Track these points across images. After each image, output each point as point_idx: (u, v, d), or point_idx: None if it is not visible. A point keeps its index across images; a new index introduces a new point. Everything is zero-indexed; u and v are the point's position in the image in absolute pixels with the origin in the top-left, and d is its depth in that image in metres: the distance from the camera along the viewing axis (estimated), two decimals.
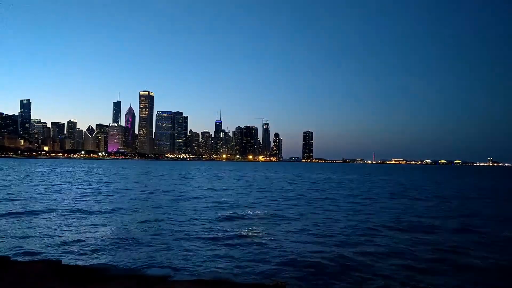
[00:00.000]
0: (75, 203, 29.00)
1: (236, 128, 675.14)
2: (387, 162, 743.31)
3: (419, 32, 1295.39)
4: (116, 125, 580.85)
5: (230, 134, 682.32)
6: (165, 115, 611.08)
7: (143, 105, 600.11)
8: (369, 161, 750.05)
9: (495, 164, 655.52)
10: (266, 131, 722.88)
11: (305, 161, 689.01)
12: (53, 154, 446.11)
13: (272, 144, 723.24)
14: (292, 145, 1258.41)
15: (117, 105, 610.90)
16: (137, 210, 25.81)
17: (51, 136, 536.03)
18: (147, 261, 12.91)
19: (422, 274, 12.09)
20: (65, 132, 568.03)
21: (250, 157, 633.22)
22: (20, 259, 12.67)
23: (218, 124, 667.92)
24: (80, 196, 34.79)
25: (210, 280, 10.65)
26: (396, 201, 35.10)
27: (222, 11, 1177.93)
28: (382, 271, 12.36)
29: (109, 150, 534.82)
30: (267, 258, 13.66)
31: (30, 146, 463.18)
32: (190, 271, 11.85)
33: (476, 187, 60.91)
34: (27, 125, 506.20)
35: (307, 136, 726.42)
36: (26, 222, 19.95)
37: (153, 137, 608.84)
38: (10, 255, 12.91)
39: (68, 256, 13.31)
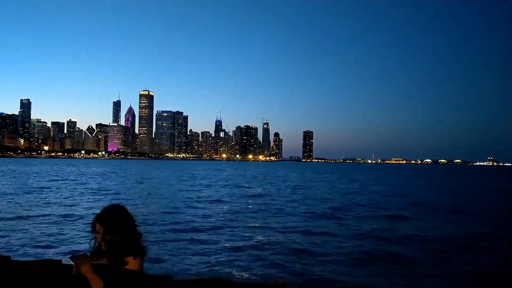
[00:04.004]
0: (77, 202, 29.00)
1: (236, 127, 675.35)
2: (387, 161, 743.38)
3: (419, 32, 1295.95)
4: (116, 124, 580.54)
5: (230, 133, 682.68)
6: (165, 114, 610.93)
7: (143, 104, 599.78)
8: (369, 161, 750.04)
9: (495, 164, 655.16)
10: (266, 131, 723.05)
11: (305, 161, 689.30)
12: (53, 154, 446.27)
13: (272, 143, 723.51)
14: (292, 144, 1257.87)
15: (117, 105, 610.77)
16: (138, 209, 25.80)
17: (51, 135, 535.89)
18: (147, 260, 12.91)
19: None
20: (65, 131, 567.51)
21: (250, 156, 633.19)
22: (20, 258, 12.68)
23: (218, 124, 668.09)
24: (81, 194, 34.79)
25: (210, 279, 10.66)
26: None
27: (222, 11, 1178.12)
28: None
29: (109, 149, 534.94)
30: (268, 257, 13.66)
31: (30, 145, 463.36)
32: (190, 270, 11.86)
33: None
34: (27, 125, 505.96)
35: (307, 136, 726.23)
36: (27, 221, 19.97)
37: (153, 136, 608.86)
38: (10, 255, 12.92)
39: (68, 256, 13.31)
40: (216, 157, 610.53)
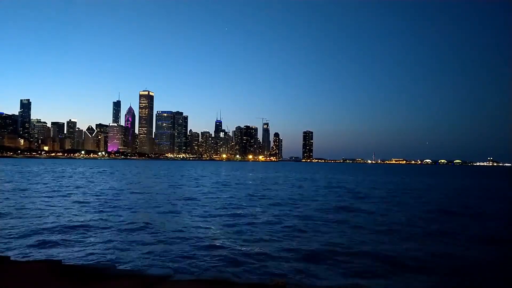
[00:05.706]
0: (77, 203, 29.03)
1: (236, 127, 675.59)
2: (387, 162, 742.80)
3: (419, 32, 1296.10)
4: (116, 124, 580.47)
5: (230, 133, 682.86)
6: (165, 114, 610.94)
7: (143, 104, 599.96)
8: (369, 161, 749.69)
9: (495, 164, 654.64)
10: (266, 131, 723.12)
11: (305, 161, 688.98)
12: (53, 154, 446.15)
13: (272, 144, 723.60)
14: (292, 144, 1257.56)
15: (117, 105, 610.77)
16: (137, 210, 25.82)
17: (51, 136, 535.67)
18: (147, 260, 12.91)
19: None
20: (65, 132, 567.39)
21: (250, 156, 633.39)
22: (20, 259, 12.68)
23: (218, 124, 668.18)
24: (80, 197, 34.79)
25: (210, 280, 10.67)
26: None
27: (222, 12, 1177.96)
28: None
29: (109, 149, 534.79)
30: (267, 257, 13.67)
31: (30, 145, 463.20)
32: (190, 270, 11.85)
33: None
34: (27, 125, 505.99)
35: (307, 136, 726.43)
36: (27, 221, 19.96)
37: (153, 136, 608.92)
38: (10, 255, 12.92)
39: (68, 256, 13.31)
40: (216, 157, 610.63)
